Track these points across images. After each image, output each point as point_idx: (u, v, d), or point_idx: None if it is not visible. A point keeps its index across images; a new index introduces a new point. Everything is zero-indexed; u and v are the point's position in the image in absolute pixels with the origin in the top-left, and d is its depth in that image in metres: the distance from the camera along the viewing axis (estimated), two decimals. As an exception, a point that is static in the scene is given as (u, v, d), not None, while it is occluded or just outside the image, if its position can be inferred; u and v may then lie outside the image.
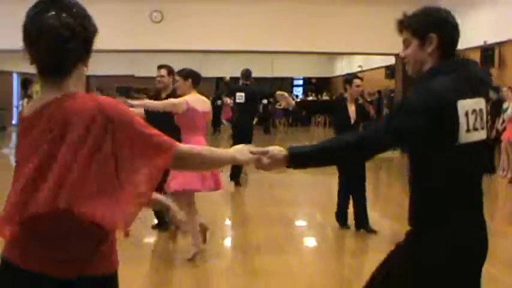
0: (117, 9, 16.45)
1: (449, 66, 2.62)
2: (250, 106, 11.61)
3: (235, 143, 9.26)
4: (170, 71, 7.20)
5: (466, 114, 2.51)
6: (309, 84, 36.72)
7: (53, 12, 1.96)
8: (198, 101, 6.14)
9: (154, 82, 7.39)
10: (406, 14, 2.76)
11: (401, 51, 2.75)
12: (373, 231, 7.38)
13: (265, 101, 27.06)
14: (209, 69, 31.26)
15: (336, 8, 16.75)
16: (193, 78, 6.27)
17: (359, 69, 26.56)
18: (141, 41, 16.87)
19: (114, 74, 29.98)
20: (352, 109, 7.49)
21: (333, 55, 30.18)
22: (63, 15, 1.97)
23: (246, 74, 11.73)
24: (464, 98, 2.52)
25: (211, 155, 2.39)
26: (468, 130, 2.53)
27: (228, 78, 14.75)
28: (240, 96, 11.60)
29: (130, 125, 2.03)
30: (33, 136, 2.01)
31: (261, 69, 27.20)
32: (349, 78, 7.80)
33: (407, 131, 2.51)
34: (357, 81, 7.63)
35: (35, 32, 1.95)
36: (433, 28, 2.63)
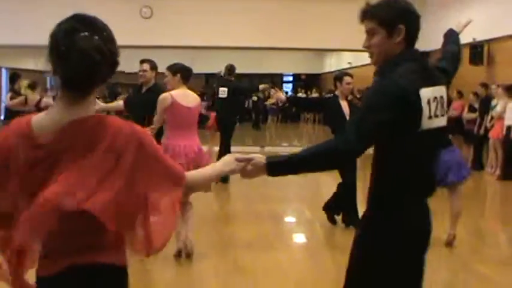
0: (107, 4, 16.38)
1: (410, 55, 2.68)
2: (233, 101, 11.52)
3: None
4: (153, 66, 7.30)
5: (428, 102, 2.57)
6: (299, 80, 36.71)
7: (86, 33, 2.00)
8: (184, 96, 6.13)
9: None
10: (369, 3, 2.76)
11: (364, 41, 2.78)
12: None
13: (255, 98, 27.09)
14: (199, 66, 31.30)
15: (325, 5, 16.77)
16: (183, 73, 6.23)
17: (348, 65, 26.58)
18: (130, 37, 16.78)
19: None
20: (345, 105, 7.47)
21: (323, 52, 30.22)
22: (95, 37, 2.02)
23: (230, 69, 11.73)
24: (426, 86, 2.58)
25: (202, 178, 2.42)
26: (430, 117, 2.59)
27: (222, 72, 14.55)
28: (223, 91, 11.55)
29: (155, 152, 2.12)
30: (54, 161, 1.99)
31: (251, 66, 27.22)
32: (339, 76, 7.73)
33: (377, 131, 2.54)
34: (347, 79, 7.58)
35: (64, 48, 1.97)
36: (401, 19, 2.65)
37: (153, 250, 2.14)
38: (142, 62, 7.42)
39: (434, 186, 2.80)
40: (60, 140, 1.99)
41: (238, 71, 13.05)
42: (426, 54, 16.92)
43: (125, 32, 16.92)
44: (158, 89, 6.85)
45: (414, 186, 2.68)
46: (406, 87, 2.53)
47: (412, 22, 2.68)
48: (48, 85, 28.27)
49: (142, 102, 7.02)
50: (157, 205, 2.09)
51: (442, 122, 2.68)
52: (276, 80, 36.28)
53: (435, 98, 2.60)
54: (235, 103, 11.98)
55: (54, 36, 2.01)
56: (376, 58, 2.74)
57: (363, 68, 24.56)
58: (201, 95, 28.05)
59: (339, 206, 7.63)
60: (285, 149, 18.22)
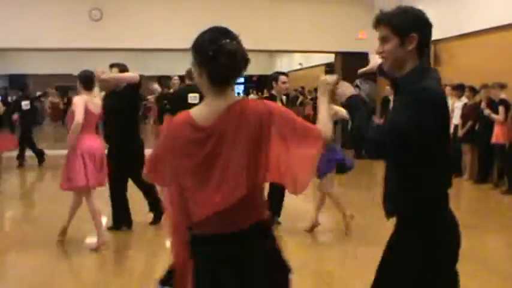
0: (56, 6, 16.16)
1: (428, 64, 2.80)
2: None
3: None
4: (122, 70, 7.34)
5: (459, 109, 2.71)
6: (250, 82, 36.82)
7: (228, 40, 2.56)
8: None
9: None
10: (382, 10, 2.82)
11: (377, 47, 2.83)
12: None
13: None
14: (151, 68, 31.11)
15: (276, 6, 16.87)
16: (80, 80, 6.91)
17: (299, 66, 26.81)
18: (80, 39, 16.60)
19: (54, 73, 29.43)
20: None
21: (274, 53, 30.38)
22: (234, 42, 2.59)
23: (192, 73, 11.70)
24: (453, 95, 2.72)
25: (325, 124, 2.76)
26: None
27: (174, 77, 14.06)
28: (194, 97, 11.49)
29: (288, 118, 2.67)
30: (219, 139, 2.58)
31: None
32: (274, 76, 7.92)
33: (417, 142, 2.59)
34: (282, 78, 7.79)
35: (211, 52, 2.54)
36: (414, 27, 2.72)
37: (301, 189, 2.64)
38: (111, 66, 7.51)
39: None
40: (220, 122, 2.59)
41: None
42: (375, 55, 17.21)
43: (74, 35, 16.95)
44: (127, 93, 7.39)
45: (445, 197, 2.77)
46: (442, 96, 2.65)
47: (425, 31, 2.76)
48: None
49: (113, 106, 7.39)
50: (305, 157, 2.62)
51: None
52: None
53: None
54: None
55: (200, 45, 2.62)
56: (389, 65, 2.80)
57: (313, 69, 24.86)
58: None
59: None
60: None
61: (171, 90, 12.56)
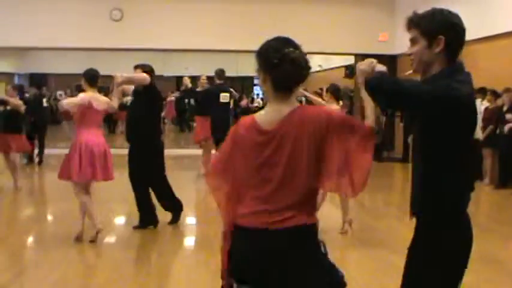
0: (77, 7, 16.27)
1: (460, 67, 2.76)
2: (229, 104, 11.86)
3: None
4: (145, 72, 7.38)
5: (480, 112, 2.68)
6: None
7: (291, 49, 2.72)
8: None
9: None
10: (416, 12, 2.83)
11: (407, 47, 2.84)
12: None
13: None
14: (170, 68, 31.19)
15: (297, 8, 16.82)
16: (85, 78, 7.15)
17: (319, 68, 26.73)
18: (100, 39, 16.70)
19: (74, 72, 29.61)
20: None
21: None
22: (297, 51, 2.74)
23: (222, 73, 11.89)
24: (476, 98, 2.68)
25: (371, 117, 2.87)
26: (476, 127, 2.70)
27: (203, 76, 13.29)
28: (225, 96, 11.65)
29: (343, 120, 2.80)
30: (280, 142, 2.72)
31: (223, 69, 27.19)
32: None
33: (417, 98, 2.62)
34: None
35: (276, 60, 2.70)
36: (442, 30, 2.71)
37: (358, 190, 2.78)
38: (135, 67, 7.60)
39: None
40: (281, 126, 2.73)
41: (208, 74, 13.05)
42: (395, 57, 17.13)
43: (94, 35, 17.04)
44: (146, 94, 7.44)
45: (465, 199, 2.77)
46: (467, 98, 2.63)
47: (454, 34, 2.74)
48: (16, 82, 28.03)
49: (134, 108, 7.73)
50: (362, 159, 2.74)
51: (479, 133, 2.78)
52: (247, 83, 36.33)
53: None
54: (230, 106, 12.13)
55: (265, 53, 2.78)
56: (415, 66, 2.81)
57: (333, 71, 24.79)
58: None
59: None
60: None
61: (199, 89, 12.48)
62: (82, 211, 7.03)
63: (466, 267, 2.79)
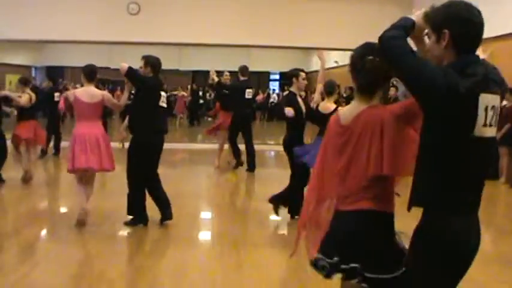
0: (94, 0, 16.33)
1: (471, 59, 2.66)
2: (252, 101, 12.14)
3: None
4: (147, 62, 7.32)
5: (486, 109, 2.55)
6: (286, 78, 36.80)
7: (371, 57, 3.09)
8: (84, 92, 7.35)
9: None
10: (432, 6, 2.77)
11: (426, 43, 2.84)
12: None
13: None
14: (186, 62, 31.24)
15: (313, 4, 16.77)
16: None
17: (335, 64, 26.64)
18: (117, 33, 16.75)
19: (89, 65, 29.71)
20: (301, 102, 7.83)
21: (310, 50, 30.25)
22: (377, 59, 3.07)
23: (245, 70, 12.07)
24: (486, 92, 2.56)
25: None
26: (485, 125, 2.57)
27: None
28: (249, 92, 11.83)
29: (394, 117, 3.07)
30: (352, 134, 3.13)
31: (238, 64, 27.12)
32: (295, 73, 8.03)
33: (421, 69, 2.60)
34: (303, 74, 7.95)
35: (360, 66, 3.14)
36: (446, 24, 2.64)
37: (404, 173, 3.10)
38: (142, 58, 7.56)
39: (479, 196, 2.75)
40: (353, 122, 3.14)
41: (224, 69, 13.10)
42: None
43: (111, 29, 17.09)
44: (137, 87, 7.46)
45: (461, 200, 2.67)
46: (461, 88, 2.51)
47: (457, 27, 2.63)
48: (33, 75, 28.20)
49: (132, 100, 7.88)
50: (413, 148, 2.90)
51: (493, 132, 2.65)
52: (262, 78, 36.34)
53: (493, 106, 2.58)
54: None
55: (353, 58, 3.22)
56: (432, 62, 2.71)
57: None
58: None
59: (286, 197, 7.90)
60: (272, 147, 18.26)
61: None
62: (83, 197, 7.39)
63: (453, 272, 2.71)
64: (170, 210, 7.52)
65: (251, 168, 12.03)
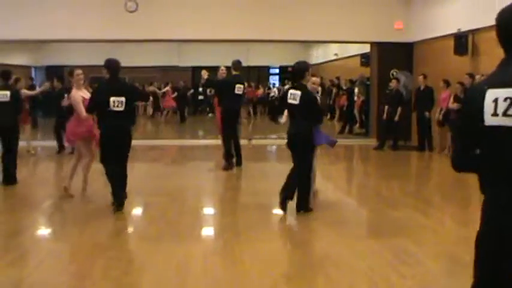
0: (91, -1, 16.32)
1: (505, 58, 2.73)
2: (242, 96, 12.03)
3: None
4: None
5: (495, 101, 2.64)
6: (285, 73, 36.75)
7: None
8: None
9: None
10: None
11: None
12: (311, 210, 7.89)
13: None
14: (185, 59, 31.20)
15: (311, -3, 16.77)
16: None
17: (335, 57, 26.67)
18: (116, 31, 16.73)
19: (88, 64, 29.71)
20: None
21: (309, 43, 30.24)
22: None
23: (239, 64, 11.97)
24: (499, 87, 2.65)
25: None
26: (496, 114, 2.65)
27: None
28: (239, 88, 11.71)
29: None
30: None
31: (237, 58, 27.18)
32: (307, 66, 8.09)
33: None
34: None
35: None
36: (496, 22, 2.73)
37: None
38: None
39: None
40: None
41: (224, 64, 13.06)
42: (411, 45, 17.01)
43: (109, 26, 17.05)
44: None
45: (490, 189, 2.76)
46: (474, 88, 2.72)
47: (498, 26, 2.74)
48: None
49: None
50: None
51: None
52: (262, 72, 36.31)
53: (507, 98, 2.63)
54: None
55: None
56: None
57: (349, 59, 24.68)
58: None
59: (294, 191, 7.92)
60: (274, 141, 18.24)
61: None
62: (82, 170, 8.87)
63: (485, 260, 2.74)
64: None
65: (238, 163, 11.93)
